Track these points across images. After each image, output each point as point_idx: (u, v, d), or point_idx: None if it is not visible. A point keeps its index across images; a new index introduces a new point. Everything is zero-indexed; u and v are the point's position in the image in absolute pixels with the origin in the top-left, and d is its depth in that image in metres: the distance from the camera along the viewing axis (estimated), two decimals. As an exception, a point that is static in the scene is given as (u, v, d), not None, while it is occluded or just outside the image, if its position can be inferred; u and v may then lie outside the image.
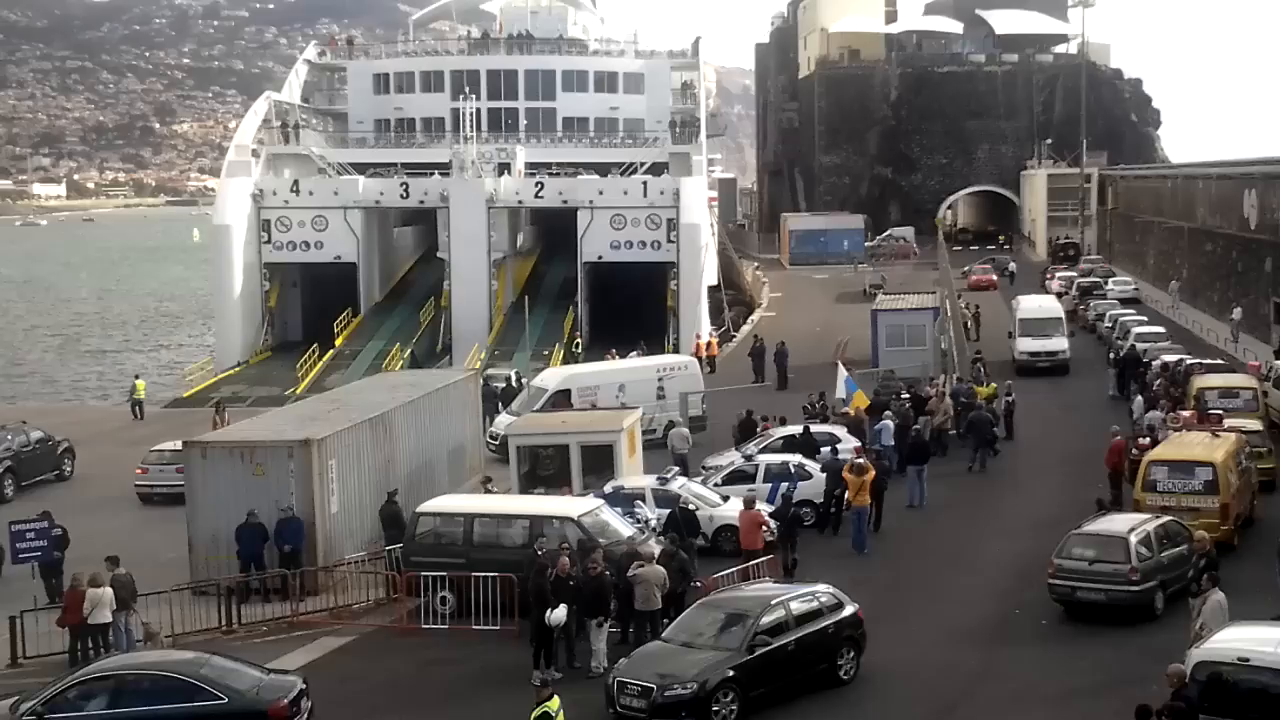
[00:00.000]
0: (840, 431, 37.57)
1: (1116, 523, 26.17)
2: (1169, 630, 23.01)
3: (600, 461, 33.19)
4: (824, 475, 32.72)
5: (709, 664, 20.40)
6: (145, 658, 21.44)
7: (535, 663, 22.91)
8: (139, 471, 39.08)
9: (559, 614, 23.08)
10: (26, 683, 22.84)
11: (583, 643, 23.69)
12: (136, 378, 59.64)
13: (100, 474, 42.81)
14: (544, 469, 33.68)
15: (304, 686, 20.48)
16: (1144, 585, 24.44)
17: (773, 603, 21.80)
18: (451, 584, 26.29)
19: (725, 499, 31.15)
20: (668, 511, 29.18)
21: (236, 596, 27.25)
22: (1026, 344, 54.51)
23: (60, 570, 28.18)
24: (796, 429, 37.35)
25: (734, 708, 20.22)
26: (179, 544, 30.00)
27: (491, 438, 41.76)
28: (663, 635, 21.80)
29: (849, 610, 22.46)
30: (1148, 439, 33.65)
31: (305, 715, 20.22)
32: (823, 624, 21.88)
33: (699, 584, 25.56)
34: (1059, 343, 54.47)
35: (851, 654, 22.19)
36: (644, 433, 37.29)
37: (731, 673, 20.33)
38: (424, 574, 26.52)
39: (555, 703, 17.55)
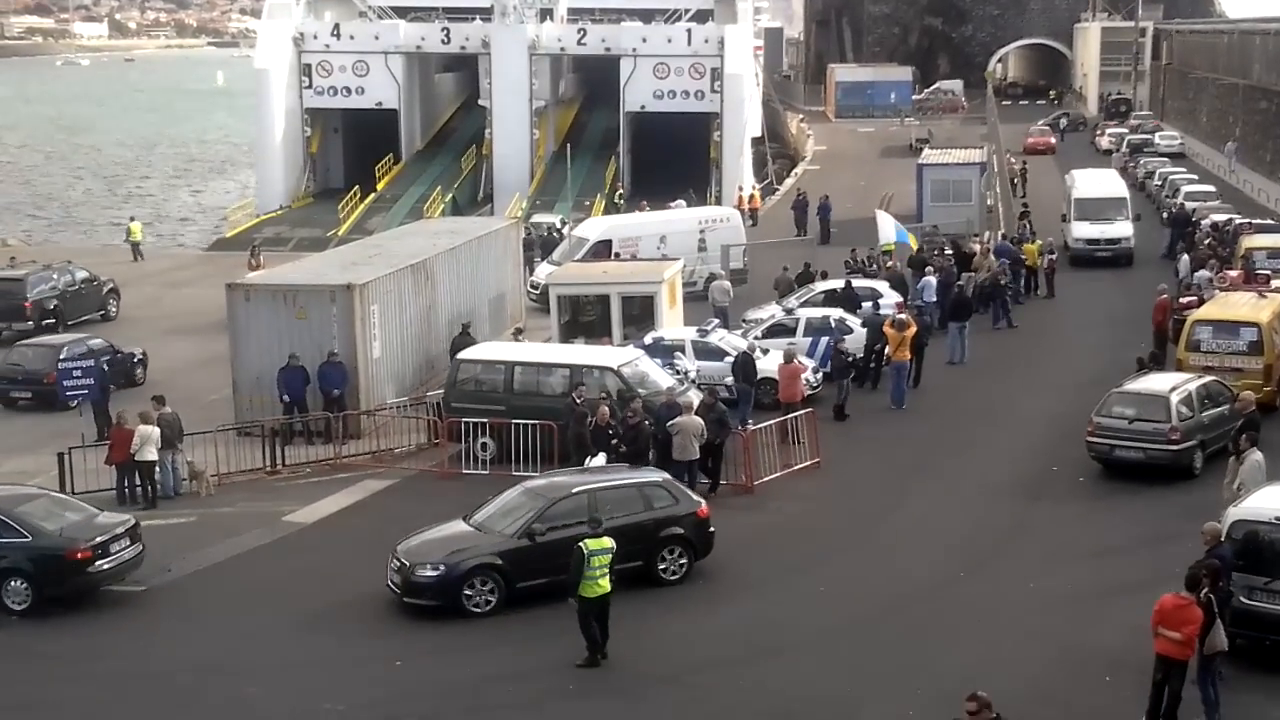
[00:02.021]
0: (882, 286, 37.38)
1: (1158, 382, 26.07)
2: (1207, 489, 23.02)
3: (641, 312, 33.22)
4: (864, 330, 32.66)
5: (475, 548, 19.59)
6: None
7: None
8: None
9: (598, 461, 23.31)
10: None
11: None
12: (131, 219, 59.76)
13: (144, 315, 43.17)
14: (584, 319, 33.74)
15: (122, 532, 20.77)
16: (1184, 445, 24.40)
17: (573, 490, 20.49)
18: (492, 430, 26.54)
19: (765, 352, 31.15)
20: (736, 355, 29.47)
21: (280, 438, 27.63)
22: (1083, 230, 46.49)
23: (107, 408, 28.58)
24: (838, 283, 37.20)
25: (491, 596, 19.44)
26: (224, 385, 30.38)
27: (533, 287, 41.80)
28: (473, 518, 20.64)
29: (685, 509, 20.84)
30: (1194, 298, 33.36)
31: (127, 558, 20.71)
32: (638, 519, 20.25)
33: (741, 433, 25.69)
34: (1122, 228, 46.38)
35: (679, 554, 20.61)
36: (685, 284, 37.21)
37: (496, 559, 19.50)
38: (465, 420, 26.77)
39: (597, 544, 17.85)
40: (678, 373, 28.87)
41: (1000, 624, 19.03)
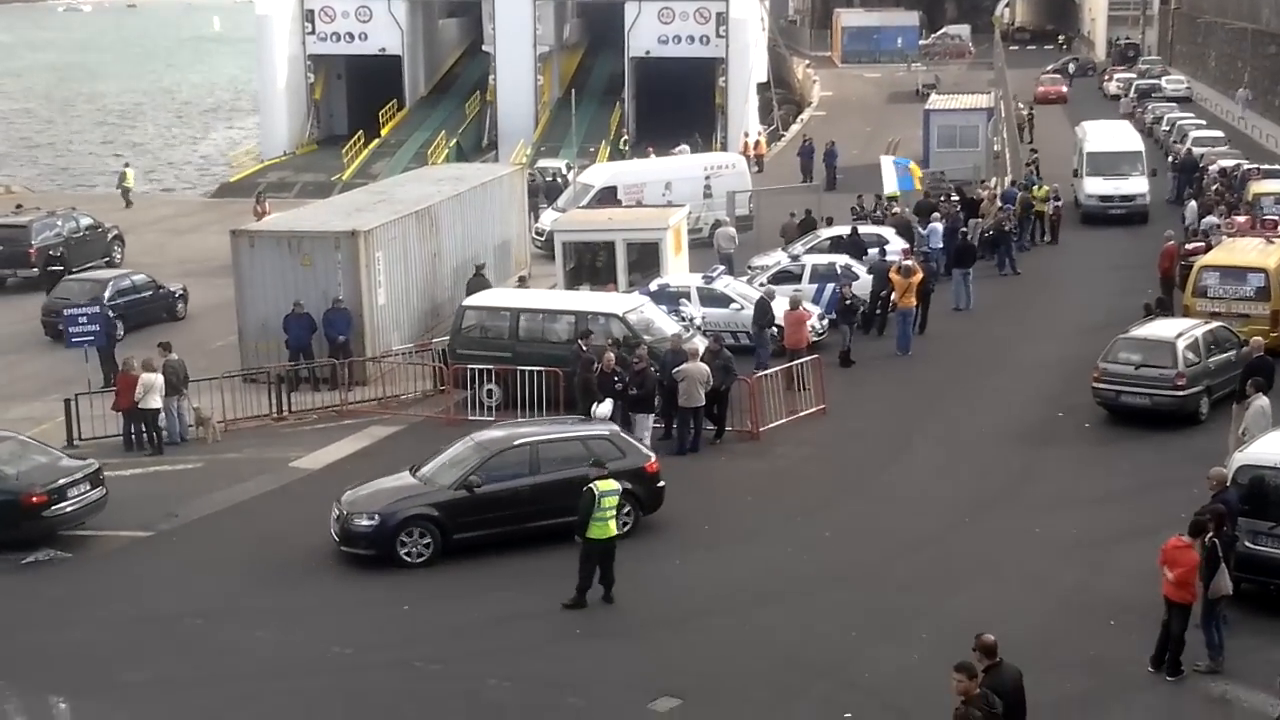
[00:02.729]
0: (888, 233, 37.28)
1: (1164, 327, 26.05)
2: (1212, 435, 23.07)
3: (646, 259, 33.14)
4: (870, 277, 32.57)
5: (412, 499, 19.70)
6: None
7: (580, 455, 23.25)
8: None
9: (604, 408, 23.35)
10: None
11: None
12: (126, 165, 59.64)
13: (148, 261, 42.99)
14: (590, 265, 33.66)
15: (81, 477, 20.90)
16: (1189, 390, 24.40)
17: (515, 443, 20.48)
18: (497, 377, 26.55)
19: (772, 297, 31.04)
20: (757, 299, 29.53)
21: (286, 385, 27.66)
22: (1096, 185, 44.14)
23: (114, 354, 28.60)
24: (844, 229, 37.08)
25: (426, 547, 19.51)
26: (229, 332, 30.39)
27: (538, 233, 41.71)
28: (420, 470, 20.59)
29: (632, 463, 20.18)
30: (1201, 244, 33.26)
31: (87, 503, 20.88)
32: (582, 472, 19.19)
33: (746, 380, 25.68)
34: (1137, 184, 44.01)
35: (625, 509, 19.61)
36: (690, 231, 37.11)
37: (432, 511, 19.57)
38: (470, 367, 26.77)
39: (606, 484, 18.00)
40: (683, 319, 28.84)
41: (1005, 569, 19.08)
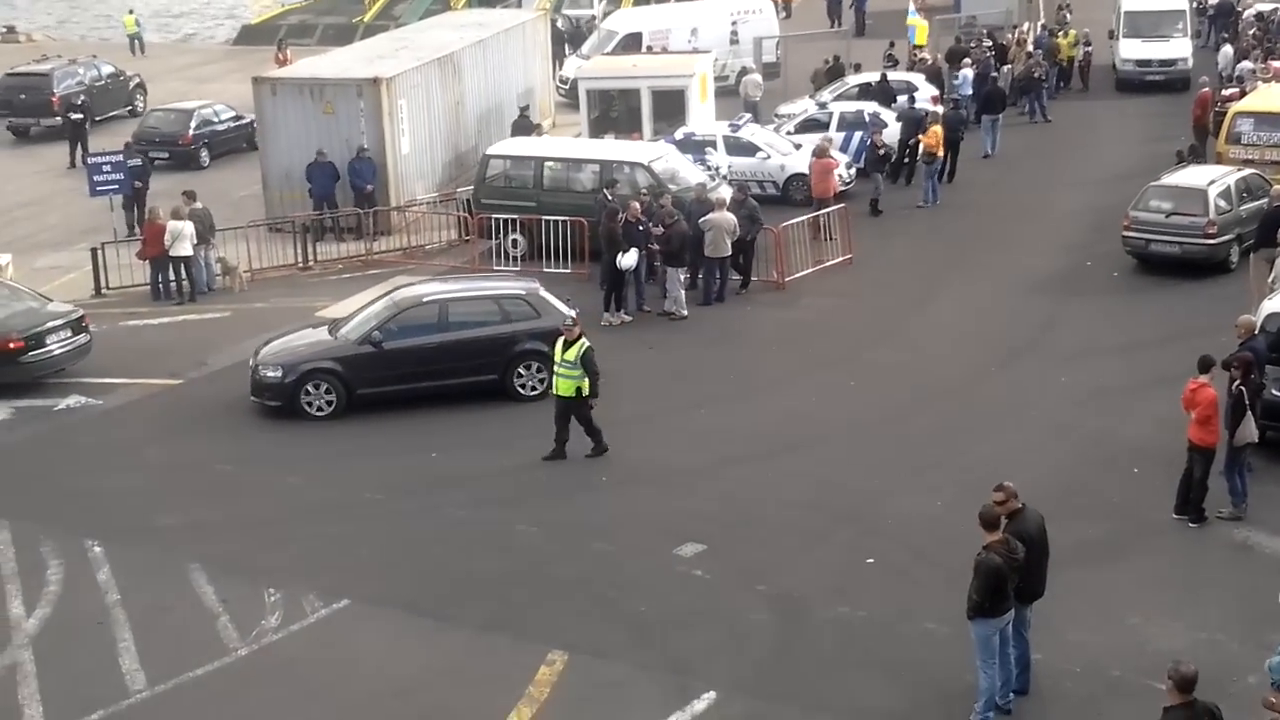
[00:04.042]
0: (917, 80, 36.68)
1: (1196, 175, 25.75)
2: (1242, 283, 22.92)
3: (671, 107, 32.70)
4: (899, 124, 32.14)
5: (318, 354, 19.99)
6: None
7: (606, 305, 23.29)
8: None
9: (630, 258, 23.24)
10: (110, 313, 23.58)
11: (653, 287, 23.98)
12: (130, 12, 58.77)
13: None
14: (614, 114, 33.30)
15: (62, 323, 21.08)
16: (1220, 238, 24.20)
17: (424, 300, 20.40)
18: (522, 227, 26.46)
19: (797, 147, 30.75)
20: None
21: (312, 234, 27.64)
22: (1133, 49, 40.43)
23: (141, 202, 28.56)
24: (873, 76, 36.51)
25: (329, 399, 19.74)
26: (253, 181, 30.28)
27: (562, 81, 41.20)
28: (341, 326, 20.67)
29: (548, 323, 19.55)
30: (1235, 90, 32.68)
31: (70, 349, 21.14)
32: (492, 332, 20.03)
33: (772, 230, 25.51)
34: (1179, 47, 40.37)
35: (537, 369, 19.91)
36: (716, 78, 36.57)
37: (335, 365, 19.79)
38: (495, 217, 26.67)
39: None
40: (708, 168, 28.59)
41: (1031, 417, 19.14)
